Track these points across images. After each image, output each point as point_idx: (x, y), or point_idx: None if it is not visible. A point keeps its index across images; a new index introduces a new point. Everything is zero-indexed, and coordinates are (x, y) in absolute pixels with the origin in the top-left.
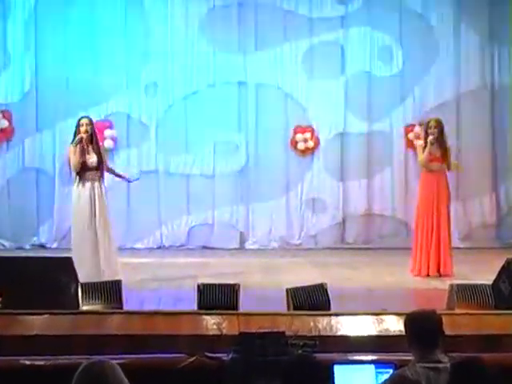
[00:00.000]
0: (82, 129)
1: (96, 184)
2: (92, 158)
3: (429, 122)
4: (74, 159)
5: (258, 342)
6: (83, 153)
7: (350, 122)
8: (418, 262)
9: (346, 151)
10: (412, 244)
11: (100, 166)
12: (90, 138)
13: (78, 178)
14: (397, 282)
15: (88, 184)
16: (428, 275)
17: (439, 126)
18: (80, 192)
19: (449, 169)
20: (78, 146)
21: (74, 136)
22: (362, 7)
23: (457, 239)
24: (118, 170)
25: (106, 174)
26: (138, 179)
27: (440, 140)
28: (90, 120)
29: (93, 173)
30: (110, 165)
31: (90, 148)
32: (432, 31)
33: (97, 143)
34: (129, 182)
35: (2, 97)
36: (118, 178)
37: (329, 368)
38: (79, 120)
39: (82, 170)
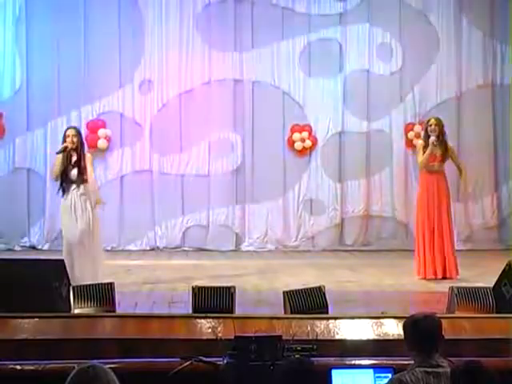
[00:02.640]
0: (68, 140)
1: (79, 197)
2: (74, 171)
3: (428, 121)
4: (54, 167)
5: (254, 346)
6: (65, 163)
7: (348, 121)
8: (422, 265)
9: (344, 151)
10: (414, 246)
11: (83, 178)
12: (76, 150)
13: (61, 189)
14: (396, 284)
15: (69, 197)
16: (434, 278)
17: (439, 125)
18: (64, 205)
19: (460, 171)
20: (62, 155)
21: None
22: (361, 4)
23: (458, 241)
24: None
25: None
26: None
27: (440, 139)
28: (77, 131)
29: (74, 186)
30: (96, 183)
31: (75, 160)
32: (432, 28)
33: (83, 155)
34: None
35: None
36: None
37: (326, 373)
38: (65, 131)
39: (65, 183)
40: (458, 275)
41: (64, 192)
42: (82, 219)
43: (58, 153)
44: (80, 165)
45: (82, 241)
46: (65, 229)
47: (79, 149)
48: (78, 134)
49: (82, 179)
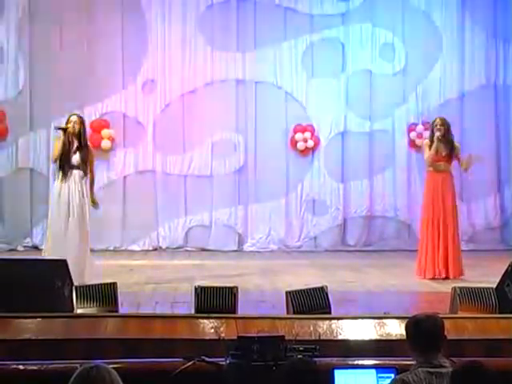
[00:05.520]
0: (70, 125)
1: (77, 183)
2: (75, 156)
3: (434, 121)
4: (54, 149)
5: (257, 346)
6: (66, 146)
7: (351, 121)
8: (423, 265)
9: (346, 151)
10: (418, 246)
11: (83, 167)
12: (78, 137)
13: (60, 173)
14: (399, 284)
15: (69, 182)
16: (434, 278)
17: (445, 124)
18: (60, 189)
19: (463, 167)
20: (62, 139)
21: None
22: (364, 4)
23: (460, 241)
24: (95, 186)
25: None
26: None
27: (446, 139)
28: (81, 118)
29: (75, 172)
30: (95, 175)
31: (76, 146)
32: (436, 28)
33: (84, 143)
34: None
35: None
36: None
37: (329, 373)
38: (69, 116)
39: (66, 166)
40: (463, 275)
41: (64, 175)
42: (78, 206)
43: (57, 128)
44: (82, 151)
45: (73, 235)
46: (56, 216)
47: (81, 135)
48: (81, 122)
49: (83, 167)
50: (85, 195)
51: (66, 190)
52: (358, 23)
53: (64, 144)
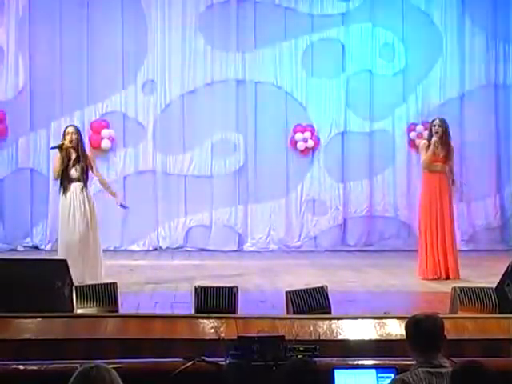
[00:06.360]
0: (67, 137)
1: (78, 196)
2: (74, 169)
3: (433, 121)
4: (54, 166)
5: (257, 346)
6: (65, 161)
7: (351, 121)
8: (424, 265)
9: (346, 151)
10: (417, 247)
11: (83, 177)
12: (76, 148)
13: (61, 188)
14: (399, 284)
15: (69, 195)
16: (436, 278)
17: (443, 125)
18: (63, 202)
19: (451, 171)
20: (60, 153)
21: None
22: (364, 4)
23: (460, 241)
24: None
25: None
26: (126, 208)
27: (444, 140)
28: (77, 129)
29: (75, 184)
30: (105, 179)
31: (74, 158)
32: (436, 28)
33: (82, 154)
34: (119, 205)
35: None
36: (109, 195)
37: (329, 373)
38: (65, 128)
39: (65, 180)
40: (459, 277)
41: (64, 190)
42: (81, 220)
43: (52, 148)
44: (80, 163)
45: (81, 241)
46: (63, 229)
47: (79, 147)
48: (78, 132)
49: (83, 178)
50: (86, 204)
51: (68, 204)
52: (358, 23)
53: (63, 160)
